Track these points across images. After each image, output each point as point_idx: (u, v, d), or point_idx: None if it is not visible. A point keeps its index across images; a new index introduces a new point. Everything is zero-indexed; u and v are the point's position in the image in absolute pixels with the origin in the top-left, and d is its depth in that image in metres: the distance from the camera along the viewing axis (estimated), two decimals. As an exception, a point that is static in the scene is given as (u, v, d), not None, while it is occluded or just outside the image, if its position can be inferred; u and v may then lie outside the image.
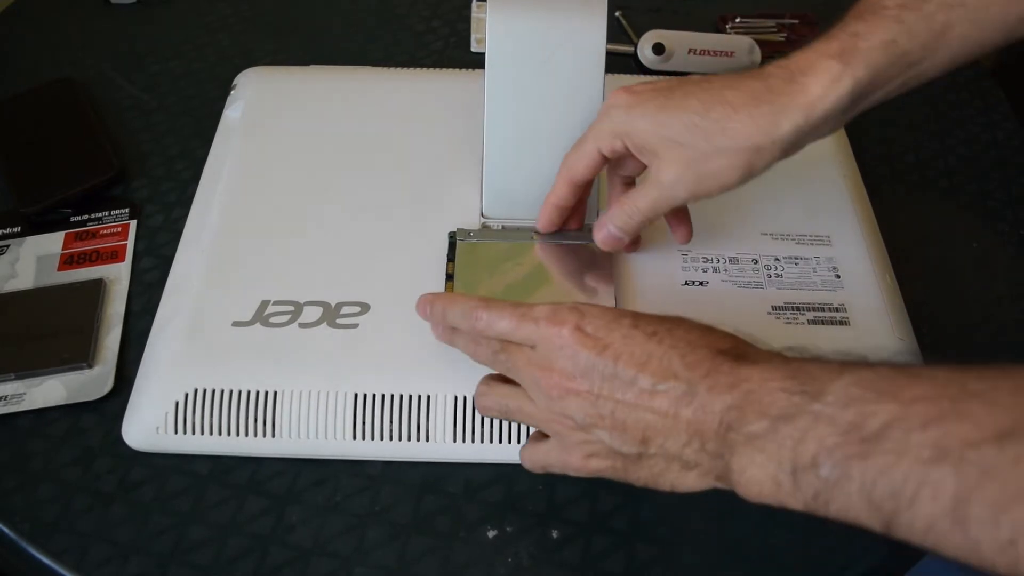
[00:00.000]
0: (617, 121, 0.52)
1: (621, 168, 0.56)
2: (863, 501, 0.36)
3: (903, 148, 0.74)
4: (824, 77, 0.48)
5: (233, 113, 0.69)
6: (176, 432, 0.53)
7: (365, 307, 0.56)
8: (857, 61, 0.48)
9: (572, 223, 0.59)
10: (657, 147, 0.51)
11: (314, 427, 0.53)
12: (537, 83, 0.57)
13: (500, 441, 0.53)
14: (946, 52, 0.48)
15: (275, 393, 0.53)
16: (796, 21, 0.83)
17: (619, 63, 0.78)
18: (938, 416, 0.35)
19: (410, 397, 0.53)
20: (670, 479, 0.44)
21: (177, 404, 0.53)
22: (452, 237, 0.59)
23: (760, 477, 0.39)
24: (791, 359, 0.41)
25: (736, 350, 0.42)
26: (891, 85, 0.49)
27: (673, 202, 0.52)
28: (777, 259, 0.60)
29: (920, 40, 0.48)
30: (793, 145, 0.50)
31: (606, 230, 0.55)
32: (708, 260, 0.59)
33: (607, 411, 0.43)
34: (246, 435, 0.53)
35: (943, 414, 0.35)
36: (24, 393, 0.56)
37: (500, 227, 0.60)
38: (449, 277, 0.57)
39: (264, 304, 0.56)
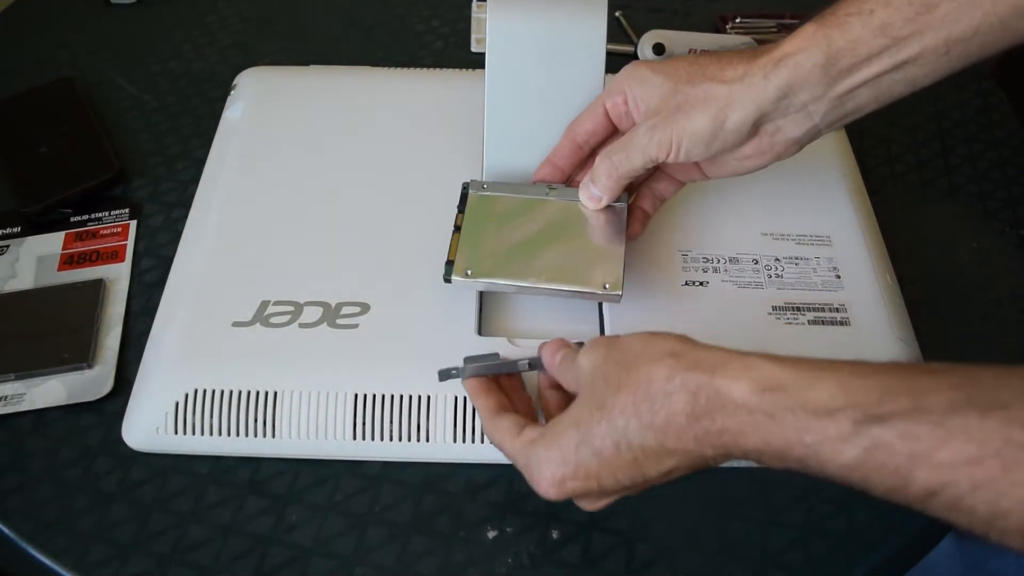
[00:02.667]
0: (624, 74, 0.54)
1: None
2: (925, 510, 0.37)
3: (903, 148, 0.74)
4: (798, 37, 0.50)
5: (233, 113, 0.69)
6: (176, 432, 0.53)
7: (365, 307, 0.56)
8: (832, 24, 0.49)
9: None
10: (649, 94, 0.52)
11: (314, 427, 0.53)
12: (537, 83, 0.57)
13: (500, 441, 0.53)
14: (937, 34, 0.48)
15: (275, 393, 0.53)
16: (796, 21, 0.83)
17: (619, 63, 0.77)
18: (987, 480, 0.34)
19: (410, 397, 0.53)
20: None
21: (177, 404, 0.53)
22: (465, 188, 0.57)
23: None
24: (772, 409, 0.38)
25: (697, 406, 0.40)
26: (880, 62, 0.49)
27: (649, 144, 0.51)
28: (777, 259, 0.60)
29: (902, 14, 0.48)
30: (766, 98, 0.49)
31: (585, 188, 0.55)
32: (708, 260, 0.59)
33: (638, 489, 0.44)
34: (246, 435, 0.53)
35: (992, 478, 0.34)
36: (24, 393, 0.56)
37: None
38: (457, 228, 0.56)
39: (264, 304, 0.56)
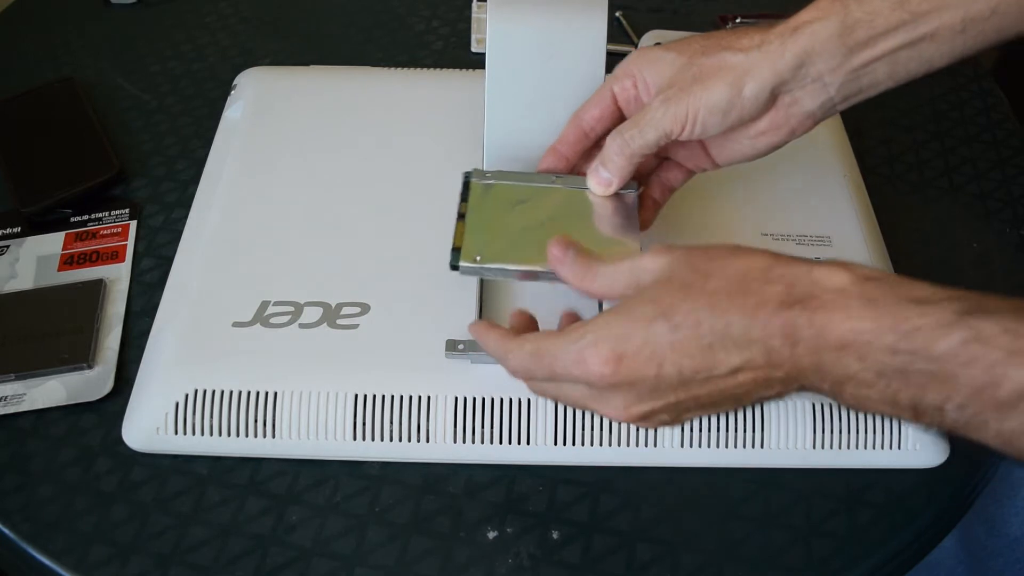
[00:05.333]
0: (631, 57, 0.53)
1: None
2: (999, 442, 0.36)
3: (903, 148, 0.74)
4: (815, 7, 0.49)
5: (233, 113, 0.69)
6: (176, 433, 0.53)
7: (365, 307, 0.56)
8: None
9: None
10: (661, 71, 0.51)
11: (314, 427, 0.53)
12: (537, 83, 0.57)
13: (500, 442, 0.53)
14: (956, 12, 0.48)
15: (275, 393, 0.53)
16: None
17: (619, 63, 0.77)
18: None
19: (410, 397, 0.53)
20: (759, 400, 0.42)
21: (177, 405, 0.53)
22: (467, 177, 0.55)
23: (875, 407, 0.38)
24: (873, 295, 0.37)
25: (793, 293, 0.38)
26: (897, 37, 0.48)
27: (659, 122, 0.50)
28: (777, 259, 0.59)
29: None
30: (784, 65, 0.49)
31: (595, 173, 0.53)
32: (708, 260, 0.59)
33: (692, 405, 0.41)
34: (246, 435, 0.53)
35: None
36: (24, 393, 0.56)
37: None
38: (461, 216, 0.53)
39: (264, 304, 0.56)
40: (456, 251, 0.51)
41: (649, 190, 0.56)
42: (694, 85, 0.49)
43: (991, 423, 0.35)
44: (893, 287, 0.37)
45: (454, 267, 0.51)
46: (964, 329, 0.35)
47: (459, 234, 0.52)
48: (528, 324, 0.48)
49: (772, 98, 0.50)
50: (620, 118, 0.54)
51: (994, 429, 0.35)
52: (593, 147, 0.55)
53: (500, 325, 0.47)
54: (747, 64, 0.49)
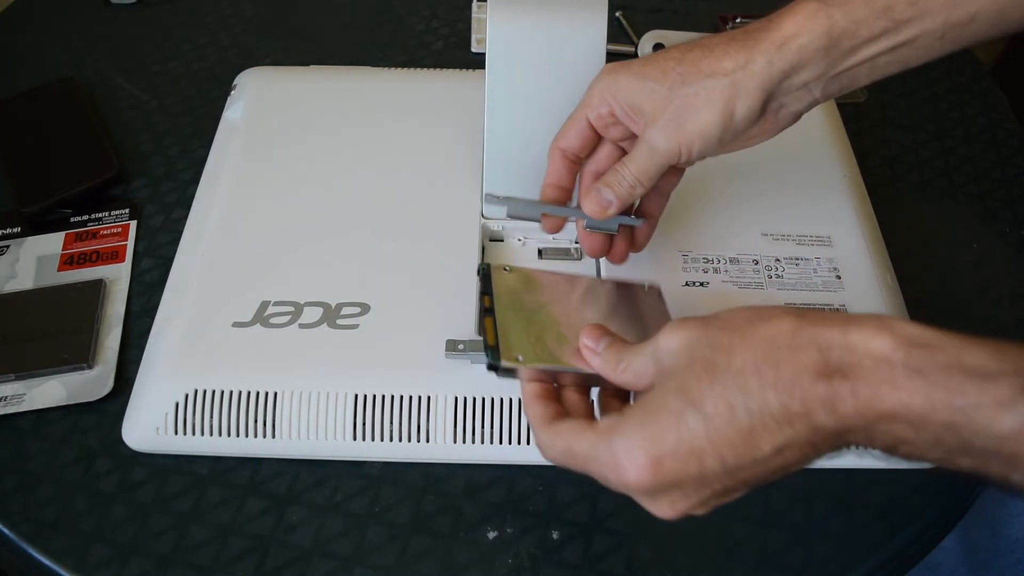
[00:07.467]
0: (603, 83, 0.52)
1: (596, 157, 0.54)
2: None
3: (903, 148, 0.74)
4: (799, 15, 0.48)
5: (233, 114, 0.69)
6: (176, 433, 0.53)
7: (365, 307, 0.56)
8: (834, 2, 0.48)
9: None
10: (641, 102, 0.50)
11: (314, 427, 0.53)
12: (537, 83, 0.57)
13: (500, 442, 0.53)
14: (936, 18, 0.48)
15: (275, 393, 0.53)
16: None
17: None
18: None
19: (410, 397, 0.53)
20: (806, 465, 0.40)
21: (177, 405, 0.53)
22: (486, 269, 0.50)
23: (932, 463, 0.36)
24: (920, 365, 0.34)
25: (829, 361, 0.36)
26: (879, 44, 0.48)
27: (657, 155, 0.50)
28: (778, 260, 0.60)
29: None
30: (771, 81, 0.49)
31: (596, 193, 0.51)
32: (709, 261, 0.59)
33: (740, 487, 0.39)
34: (246, 436, 0.53)
35: None
36: (24, 393, 0.56)
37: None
38: (487, 311, 0.48)
39: (264, 305, 0.56)
40: (494, 350, 0.46)
41: (644, 206, 0.55)
42: (682, 116, 0.49)
43: None
44: (943, 354, 0.34)
45: (493, 367, 0.47)
46: (1016, 413, 0.33)
47: (490, 331, 0.48)
48: (579, 407, 0.45)
49: (762, 110, 0.50)
50: (598, 140, 0.54)
51: None
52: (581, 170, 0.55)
53: (548, 397, 0.45)
54: (734, 87, 0.49)
